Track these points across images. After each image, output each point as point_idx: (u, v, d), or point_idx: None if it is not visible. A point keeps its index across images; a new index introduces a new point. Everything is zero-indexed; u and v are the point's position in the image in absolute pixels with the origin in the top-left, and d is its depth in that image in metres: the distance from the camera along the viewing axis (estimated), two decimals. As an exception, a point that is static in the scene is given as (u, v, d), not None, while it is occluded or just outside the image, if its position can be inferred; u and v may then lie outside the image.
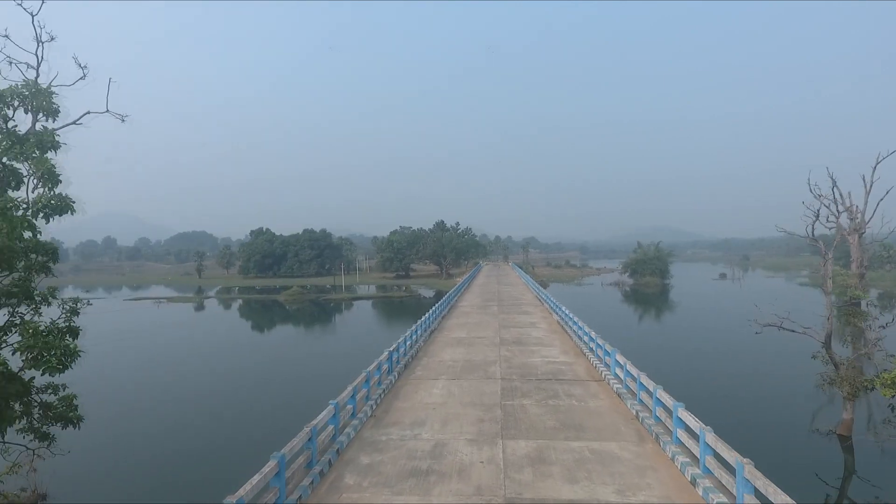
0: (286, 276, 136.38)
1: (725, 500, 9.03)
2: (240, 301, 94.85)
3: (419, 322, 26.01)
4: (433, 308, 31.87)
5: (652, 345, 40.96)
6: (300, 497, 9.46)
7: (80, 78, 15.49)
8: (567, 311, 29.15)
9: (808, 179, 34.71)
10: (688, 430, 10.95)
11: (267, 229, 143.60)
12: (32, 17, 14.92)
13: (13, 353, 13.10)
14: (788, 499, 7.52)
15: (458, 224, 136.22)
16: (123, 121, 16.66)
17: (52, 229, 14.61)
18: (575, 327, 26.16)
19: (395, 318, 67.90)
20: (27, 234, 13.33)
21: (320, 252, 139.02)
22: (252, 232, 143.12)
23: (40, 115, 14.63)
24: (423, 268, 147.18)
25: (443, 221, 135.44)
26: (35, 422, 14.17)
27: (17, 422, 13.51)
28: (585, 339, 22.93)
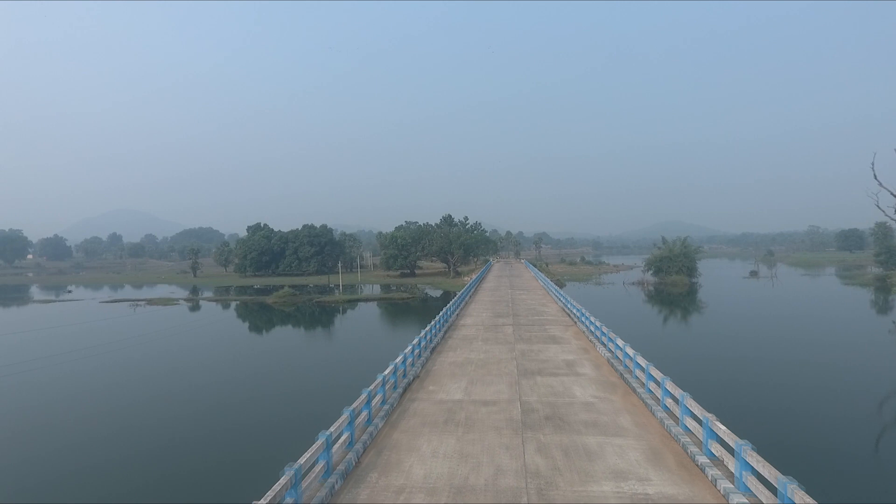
0: (284, 275, 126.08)
1: None
2: (224, 304, 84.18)
3: (385, 374, 14.74)
4: (420, 336, 20.62)
5: (721, 378, 29.22)
6: None
7: None
8: (627, 349, 17.70)
9: (873, 165, 29.04)
10: None
11: (265, 225, 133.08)
12: None
13: None
14: None
15: (466, 219, 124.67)
16: None
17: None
18: (651, 383, 14.74)
19: (393, 326, 56.64)
20: None
21: (321, 249, 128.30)
22: (249, 227, 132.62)
23: None
24: (431, 265, 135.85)
25: (450, 216, 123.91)
26: None
27: None
28: (684, 415, 11.54)
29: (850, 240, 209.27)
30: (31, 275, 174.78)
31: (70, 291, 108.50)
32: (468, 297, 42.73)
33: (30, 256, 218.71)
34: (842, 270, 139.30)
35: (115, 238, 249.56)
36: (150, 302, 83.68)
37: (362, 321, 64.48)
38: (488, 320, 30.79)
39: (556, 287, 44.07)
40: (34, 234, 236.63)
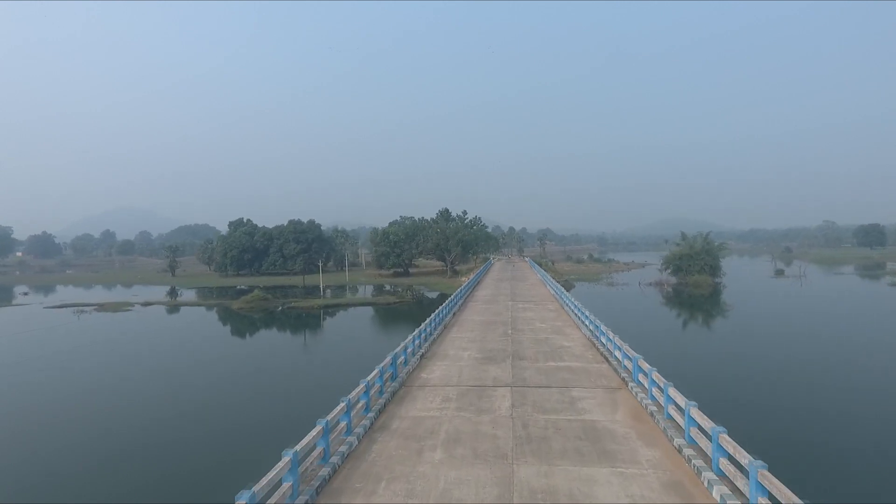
0: (269, 274, 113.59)
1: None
2: (185, 309, 71.54)
3: None
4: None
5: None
6: None
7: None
8: None
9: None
10: None
11: (248, 220, 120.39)
12: None
13: None
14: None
15: (465, 213, 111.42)
16: None
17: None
18: None
19: (366, 342, 43.51)
20: None
21: (308, 246, 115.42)
22: (231, 223, 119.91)
23: None
24: (429, 263, 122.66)
25: (447, 210, 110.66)
26: None
27: None
28: None
29: (870, 235, 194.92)
30: (18, 273, 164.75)
31: (27, 294, 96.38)
32: (451, 315, 29.65)
33: (19, 254, 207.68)
34: (871, 269, 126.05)
35: (108, 235, 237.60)
36: (102, 307, 71.23)
37: (330, 335, 51.53)
38: (470, 372, 17.65)
39: (572, 298, 30.86)
40: (36, 232, 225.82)
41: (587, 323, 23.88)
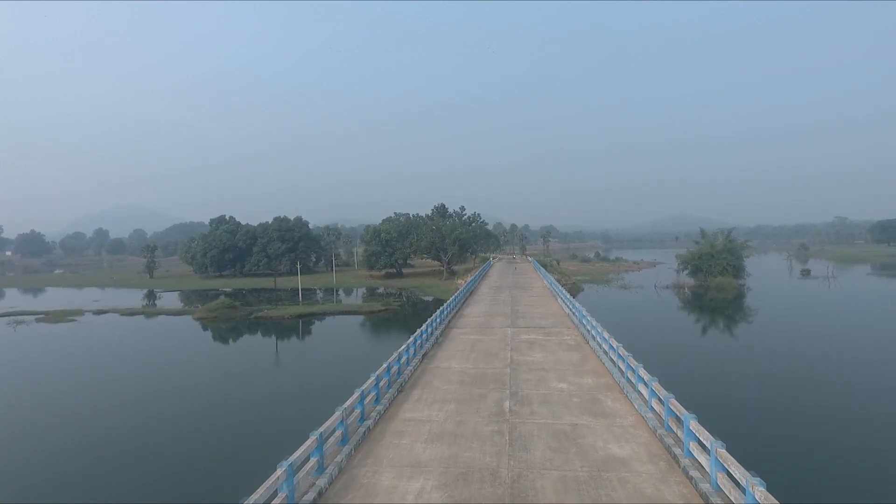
0: (252, 275, 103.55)
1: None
2: (138, 318, 61.34)
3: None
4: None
5: None
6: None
7: None
8: None
9: None
10: None
11: (230, 217, 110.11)
12: None
13: None
14: None
15: (462, 209, 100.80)
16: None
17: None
18: None
19: (332, 377, 32.09)
20: None
21: (294, 245, 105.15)
22: (212, 220, 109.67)
23: None
24: (426, 263, 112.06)
25: (443, 205, 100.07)
26: None
27: None
28: None
29: (887, 231, 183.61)
30: (11, 274, 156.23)
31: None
32: (420, 360, 19.05)
33: (8, 253, 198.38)
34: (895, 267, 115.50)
35: (101, 234, 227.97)
36: (47, 316, 61.29)
37: (277, 367, 40.32)
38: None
39: (602, 329, 20.25)
40: (38, 231, 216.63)
41: (643, 390, 13.31)
